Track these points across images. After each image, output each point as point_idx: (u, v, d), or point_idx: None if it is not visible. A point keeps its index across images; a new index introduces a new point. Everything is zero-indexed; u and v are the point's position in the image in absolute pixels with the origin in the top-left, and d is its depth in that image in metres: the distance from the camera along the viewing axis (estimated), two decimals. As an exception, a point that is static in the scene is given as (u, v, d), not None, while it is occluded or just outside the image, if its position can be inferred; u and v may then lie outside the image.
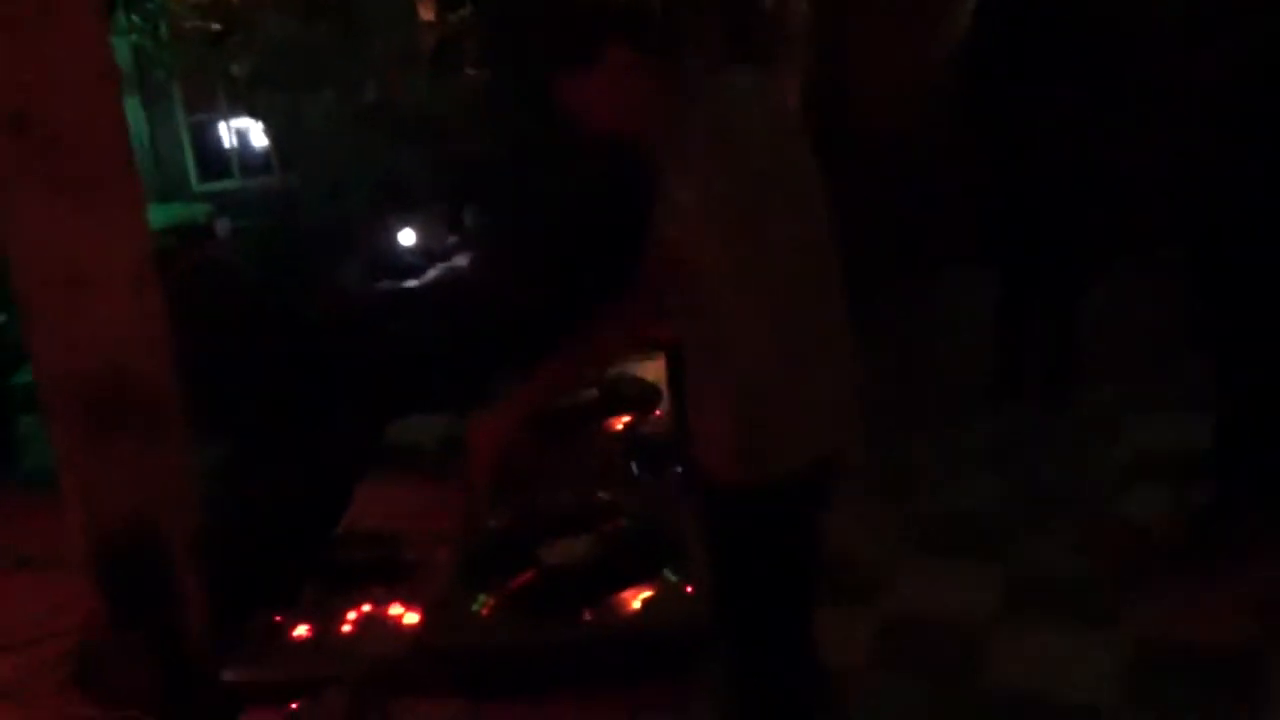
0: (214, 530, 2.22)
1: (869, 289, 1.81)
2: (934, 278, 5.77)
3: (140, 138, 8.62)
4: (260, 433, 3.93)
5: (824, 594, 1.83)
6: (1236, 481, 3.55)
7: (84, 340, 1.97)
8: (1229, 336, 3.50)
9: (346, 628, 1.54)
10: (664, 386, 2.45)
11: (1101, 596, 3.12)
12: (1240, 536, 3.33)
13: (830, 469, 1.79)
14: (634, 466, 2.04)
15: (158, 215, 5.56)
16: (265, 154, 9.25)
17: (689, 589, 1.54)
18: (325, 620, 1.55)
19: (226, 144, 9.65)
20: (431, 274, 5.46)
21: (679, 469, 2.00)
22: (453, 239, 5.78)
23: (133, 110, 8.62)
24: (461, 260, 5.58)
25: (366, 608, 1.58)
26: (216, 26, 6.75)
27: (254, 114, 8.05)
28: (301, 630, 1.53)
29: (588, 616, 1.50)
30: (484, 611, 1.52)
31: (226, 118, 9.41)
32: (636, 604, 1.51)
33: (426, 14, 6.64)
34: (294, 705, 1.39)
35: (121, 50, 7.18)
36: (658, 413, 2.32)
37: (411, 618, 1.55)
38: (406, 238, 5.67)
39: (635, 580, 1.54)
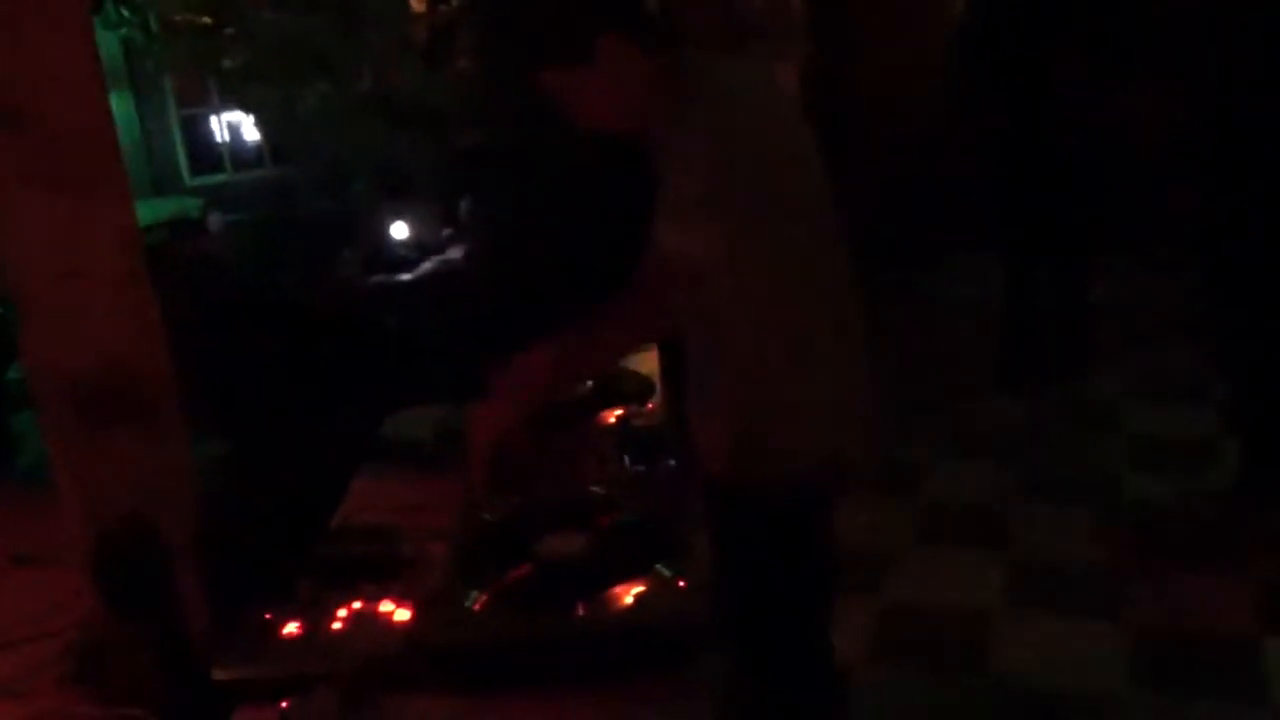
0: (210, 525, 2.23)
1: (871, 277, 1.79)
2: (938, 265, 5.78)
3: (132, 132, 8.60)
4: (254, 427, 3.93)
5: (835, 597, 1.82)
6: (1241, 471, 3.56)
7: (77, 336, 1.97)
8: (1236, 324, 3.50)
9: (339, 624, 1.54)
10: (657, 380, 2.45)
11: (1106, 587, 3.13)
12: (1245, 526, 3.34)
13: (837, 471, 1.76)
14: (627, 460, 2.04)
15: (150, 209, 5.54)
16: (256, 147, 9.23)
17: (683, 583, 1.54)
18: (318, 616, 1.55)
19: (218, 138, 9.63)
20: (426, 266, 5.46)
21: (672, 462, 2.00)
22: (447, 231, 5.78)
23: (124, 104, 8.59)
24: (456, 252, 5.58)
25: (359, 604, 1.58)
26: (207, 20, 6.74)
27: (245, 107, 8.03)
28: (293, 627, 1.53)
29: (582, 611, 1.49)
30: (478, 606, 1.52)
31: (218, 111, 9.39)
32: (631, 598, 1.50)
33: (418, 6, 6.63)
34: (285, 703, 1.38)
35: (111, 44, 7.16)
36: (651, 406, 2.32)
37: (405, 613, 1.55)
38: (400, 230, 5.67)
39: (630, 575, 1.53)
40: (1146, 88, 4.07)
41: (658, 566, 1.55)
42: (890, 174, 5.56)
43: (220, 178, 9.31)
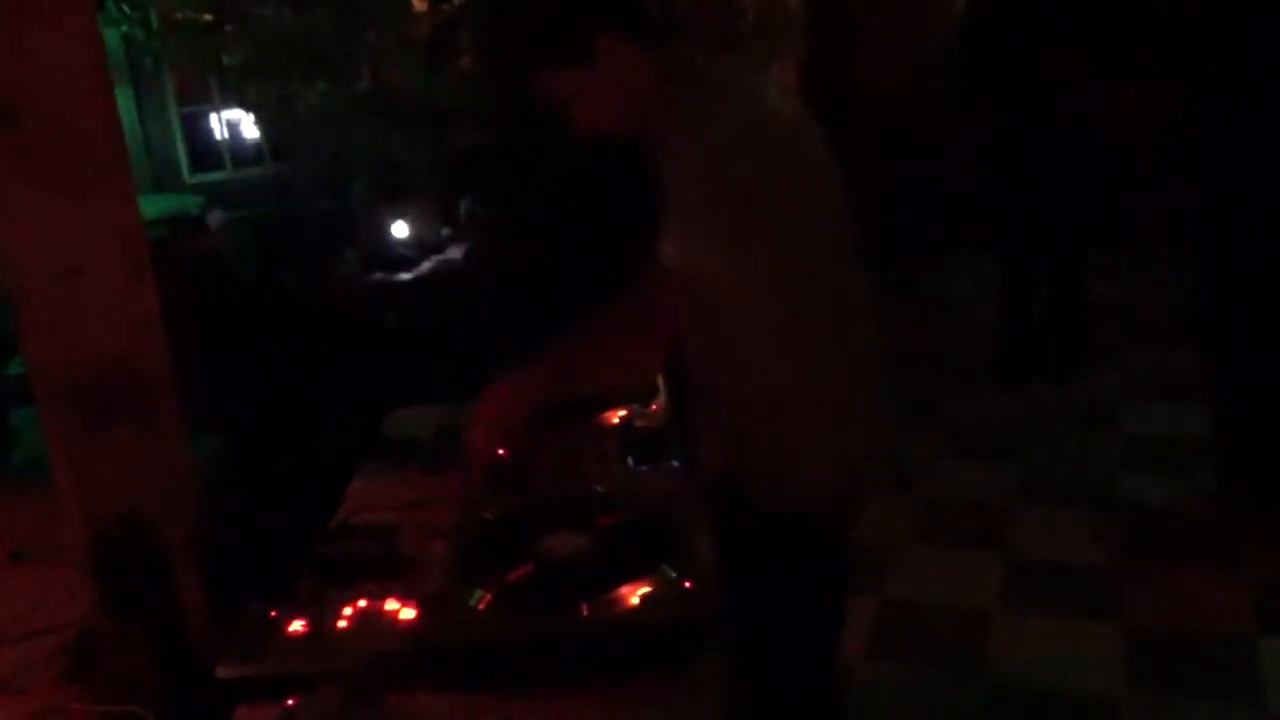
0: (208, 522, 2.22)
1: (870, 276, 1.79)
2: (936, 264, 5.79)
3: (132, 129, 8.60)
4: (252, 424, 3.92)
5: (844, 619, 1.82)
6: (1237, 469, 3.57)
7: (78, 333, 1.96)
8: (1230, 321, 3.51)
9: (342, 622, 1.54)
10: (660, 380, 2.45)
11: (1103, 586, 3.14)
12: (1242, 526, 3.35)
13: (852, 494, 1.75)
14: (630, 461, 2.04)
15: (150, 206, 5.55)
16: (256, 145, 9.23)
17: (687, 584, 1.53)
18: (321, 614, 1.55)
19: (217, 135, 9.63)
20: (425, 265, 5.45)
21: (675, 464, 2.00)
22: (446, 230, 5.78)
23: (124, 101, 8.59)
24: (456, 252, 5.57)
25: (362, 602, 1.58)
26: (208, 17, 6.73)
27: (245, 105, 8.03)
28: (297, 625, 1.52)
29: (585, 611, 1.49)
30: (480, 606, 1.51)
31: (218, 109, 9.39)
32: (634, 599, 1.50)
33: (420, 5, 6.62)
34: (289, 701, 1.38)
35: (112, 40, 7.16)
36: (654, 406, 2.31)
37: (408, 612, 1.55)
38: (400, 229, 5.66)
39: (633, 575, 1.53)
40: (1145, 86, 4.08)
41: (661, 566, 1.55)
42: (889, 173, 5.56)
43: (220, 175, 9.32)
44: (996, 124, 4.31)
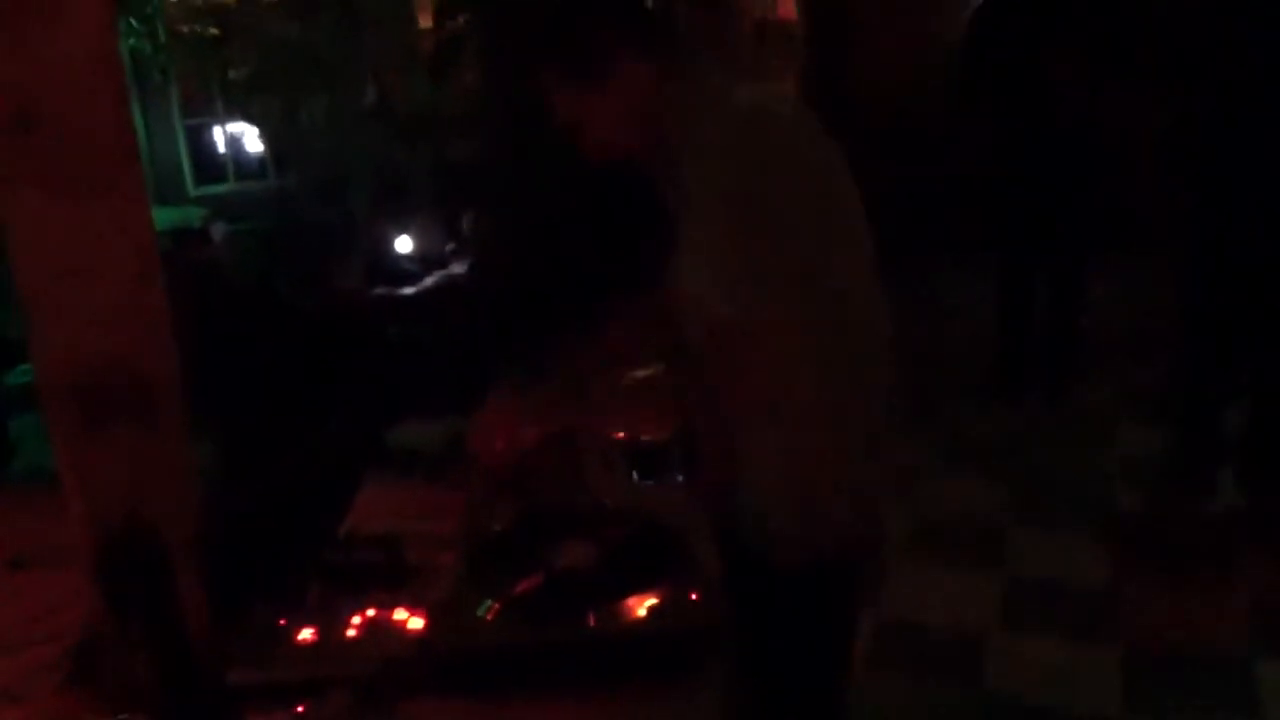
0: (211, 528, 2.22)
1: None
2: (935, 274, 5.80)
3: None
4: (254, 433, 3.92)
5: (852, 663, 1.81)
6: (1179, 465, 3.63)
7: (86, 336, 1.97)
8: (1224, 326, 3.55)
9: (351, 630, 1.54)
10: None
11: (1099, 604, 3.14)
12: (1238, 546, 3.36)
13: (874, 533, 1.72)
14: (635, 475, 2.05)
15: (153, 218, 5.55)
16: (260, 158, 9.26)
17: (694, 595, 1.54)
18: (330, 622, 1.55)
19: (222, 148, 9.66)
20: (429, 280, 5.46)
21: (680, 478, 2.01)
22: (450, 245, 5.79)
23: (129, 113, 8.60)
24: (459, 267, 5.59)
25: (371, 611, 1.58)
26: (214, 31, 6.77)
27: (250, 118, 8.07)
28: (306, 633, 1.53)
29: (593, 621, 1.50)
30: (488, 615, 1.52)
31: (222, 122, 9.42)
32: (642, 610, 1.51)
33: (425, 20, 6.67)
34: (299, 707, 1.39)
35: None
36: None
37: (416, 621, 1.55)
38: (404, 244, 5.68)
39: (640, 586, 1.54)
40: (1146, 95, 4.11)
41: (670, 578, 1.55)
42: (888, 177, 5.60)
43: (223, 188, 9.34)
44: (998, 127, 4.34)
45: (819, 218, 1.52)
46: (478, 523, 1.79)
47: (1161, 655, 2.88)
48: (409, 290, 5.40)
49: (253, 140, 9.17)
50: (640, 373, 2.31)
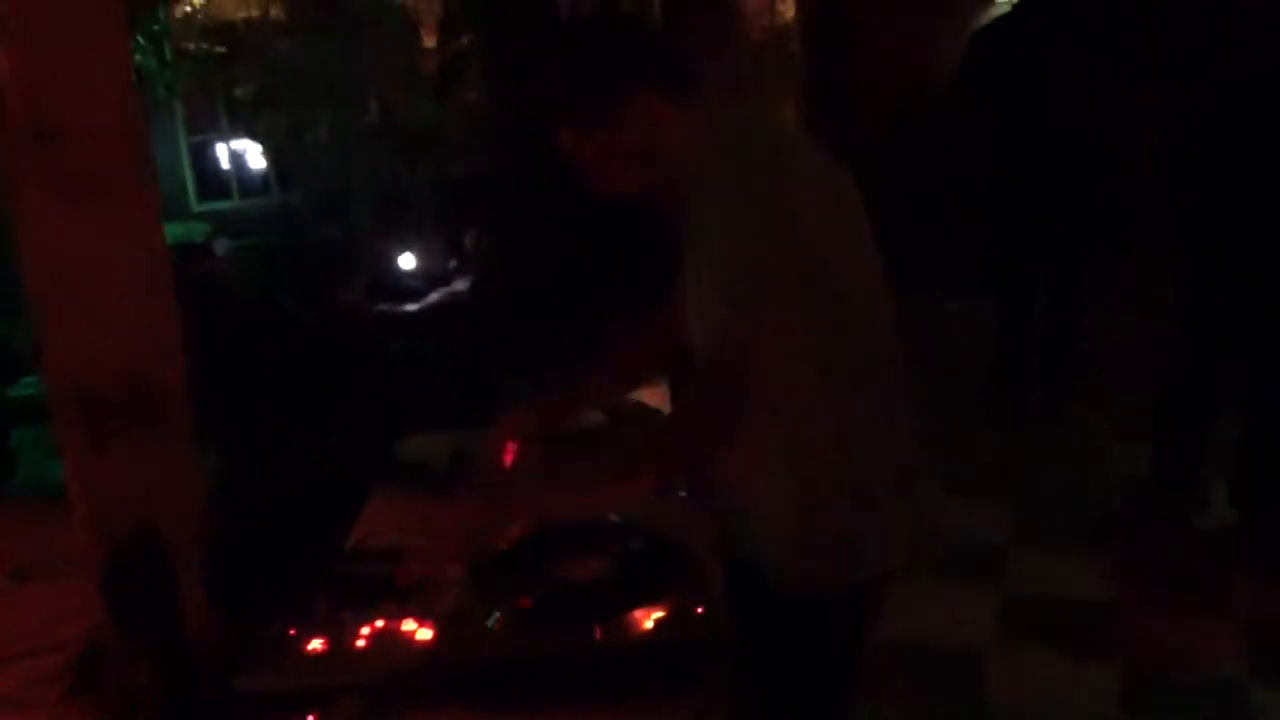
0: (216, 539, 2.23)
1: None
2: (933, 299, 5.82)
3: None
4: (258, 449, 3.93)
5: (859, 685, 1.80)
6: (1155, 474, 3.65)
7: (97, 346, 1.99)
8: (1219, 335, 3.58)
9: (360, 641, 1.55)
10: (668, 411, 2.47)
11: (1096, 624, 3.15)
12: (1235, 567, 3.37)
13: (893, 565, 1.69)
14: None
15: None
16: (263, 175, 9.30)
17: (699, 608, 1.55)
18: (338, 633, 1.56)
19: (225, 164, 9.70)
20: (432, 297, 5.49)
21: (683, 494, 2.02)
22: (453, 262, 5.82)
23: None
24: (462, 284, 5.61)
25: (379, 621, 1.59)
26: (221, 49, 6.82)
27: (254, 135, 8.11)
28: (315, 642, 1.54)
29: (598, 633, 1.51)
30: (495, 627, 1.53)
31: (226, 138, 9.46)
32: (648, 623, 1.52)
33: (429, 39, 6.72)
34: (310, 716, 1.39)
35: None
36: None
37: (424, 632, 1.56)
38: (408, 260, 5.71)
39: (646, 599, 1.55)
40: (1145, 113, 4.14)
41: (675, 592, 1.56)
42: (888, 196, 5.62)
43: (226, 204, 9.36)
44: (997, 146, 4.37)
45: (830, 233, 1.51)
46: (485, 535, 1.80)
47: (1158, 672, 2.89)
48: (412, 306, 5.43)
49: (256, 157, 9.21)
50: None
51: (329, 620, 1.59)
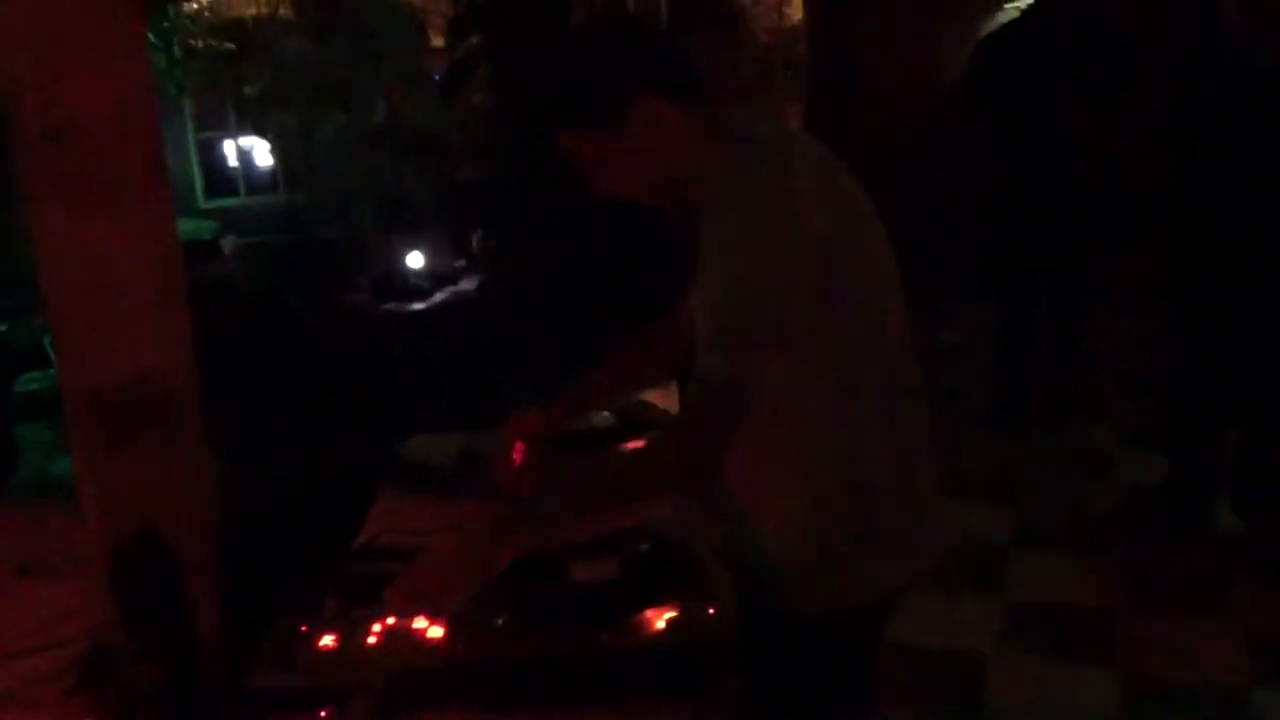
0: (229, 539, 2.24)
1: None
2: (933, 307, 5.83)
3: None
4: (264, 448, 3.94)
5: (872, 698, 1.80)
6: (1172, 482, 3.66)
7: (111, 348, 1.99)
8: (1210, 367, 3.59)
9: (371, 639, 1.56)
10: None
11: (1097, 632, 3.16)
12: (1235, 576, 3.38)
13: (901, 594, 1.69)
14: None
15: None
16: (270, 172, 9.32)
17: (710, 610, 1.56)
18: (349, 631, 1.58)
19: (233, 162, 9.71)
20: (438, 297, 5.50)
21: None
22: (460, 262, 5.83)
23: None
24: (469, 284, 5.63)
25: (390, 620, 1.60)
26: (230, 46, 6.84)
27: (262, 133, 8.13)
28: (327, 640, 1.55)
29: (607, 634, 1.52)
30: (505, 627, 1.54)
31: (233, 136, 9.48)
32: (659, 623, 1.53)
33: (437, 40, 6.74)
34: (322, 713, 1.41)
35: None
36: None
37: (435, 631, 1.57)
38: (414, 260, 5.72)
39: (657, 600, 1.56)
40: (1143, 134, 4.16)
41: (686, 593, 1.58)
42: (892, 206, 5.62)
43: (233, 201, 9.37)
44: (998, 168, 4.39)
45: (840, 234, 1.48)
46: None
47: (1158, 676, 2.90)
48: (418, 306, 5.44)
49: (263, 155, 9.22)
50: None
51: (339, 618, 1.60)
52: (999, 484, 4.12)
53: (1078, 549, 3.63)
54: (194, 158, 9.67)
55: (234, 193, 9.66)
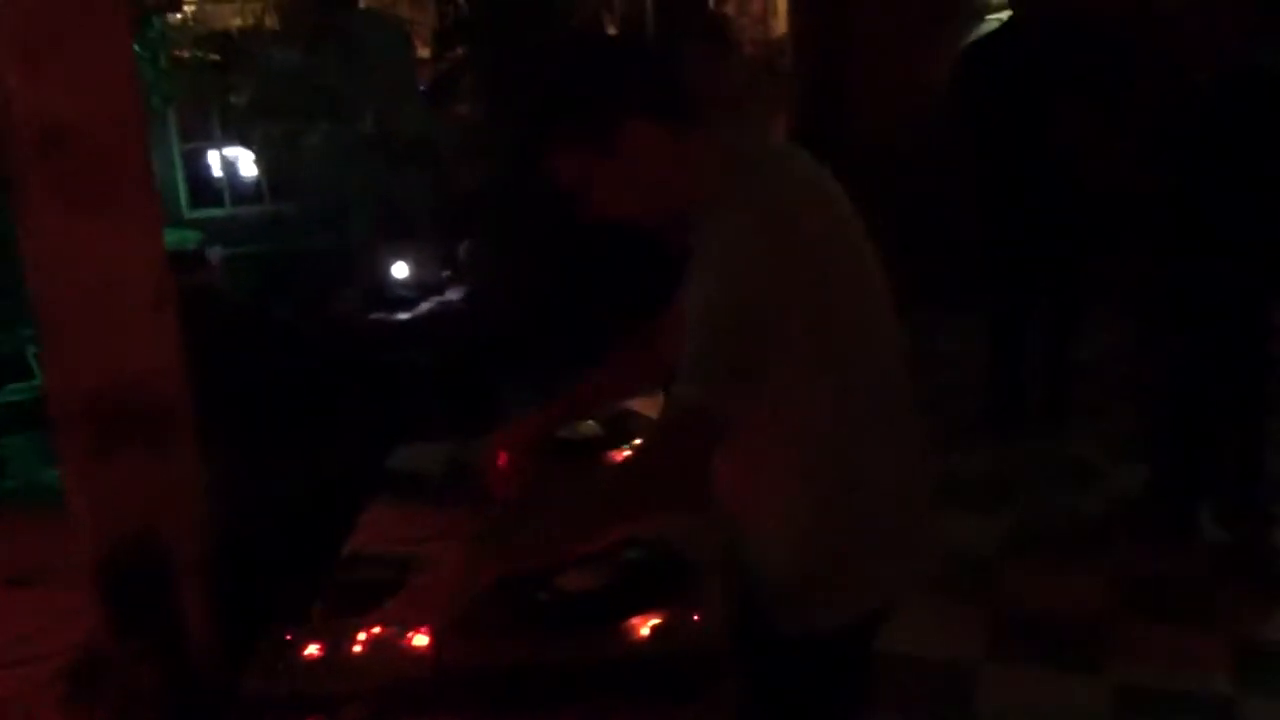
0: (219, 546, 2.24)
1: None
2: (924, 316, 5.85)
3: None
4: (251, 457, 3.93)
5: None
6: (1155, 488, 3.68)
7: (100, 355, 1.99)
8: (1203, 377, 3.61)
9: (358, 647, 1.56)
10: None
11: (1087, 640, 3.17)
12: (1224, 585, 3.40)
13: (889, 610, 1.69)
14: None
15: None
16: (255, 183, 9.28)
17: (696, 617, 1.57)
18: (337, 639, 1.58)
19: (217, 172, 9.67)
20: (425, 306, 5.50)
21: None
22: (446, 272, 5.83)
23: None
24: (455, 294, 5.63)
25: (377, 629, 1.60)
26: (215, 56, 6.82)
27: (248, 144, 8.10)
28: (313, 649, 1.55)
29: (599, 642, 1.52)
30: (497, 635, 1.54)
31: (218, 146, 9.44)
32: (646, 630, 1.54)
33: (424, 50, 6.74)
34: (312, 721, 1.41)
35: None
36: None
37: (422, 639, 1.57)
38: (400, 270, 5.71)
39: (645, 607, 1.57)
40: (1137, 141, 4.18)
41: (676, 600, 1.58)
42: (881, 225, 5.64)
43: (218, 212, 9.34)
44: (990, 177, 4.41)
45: (831, 248, 1.51)
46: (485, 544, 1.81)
47: (1147, 685, 2.91)
48: (405, 316, 5.44)
49: (248, 165, 9.19)
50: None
51: (331, 626, 1.60)
52: (990, 491, 4.14)
53: (1069, 556, 3.65)
54: (179, 168, 9.62)
55: (219, 203, 9.61)
